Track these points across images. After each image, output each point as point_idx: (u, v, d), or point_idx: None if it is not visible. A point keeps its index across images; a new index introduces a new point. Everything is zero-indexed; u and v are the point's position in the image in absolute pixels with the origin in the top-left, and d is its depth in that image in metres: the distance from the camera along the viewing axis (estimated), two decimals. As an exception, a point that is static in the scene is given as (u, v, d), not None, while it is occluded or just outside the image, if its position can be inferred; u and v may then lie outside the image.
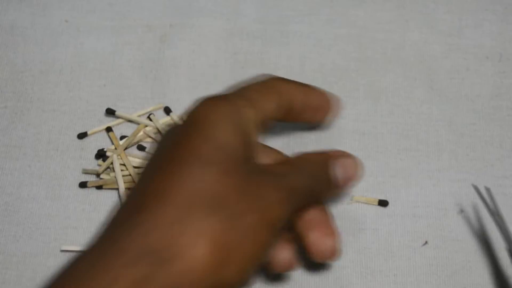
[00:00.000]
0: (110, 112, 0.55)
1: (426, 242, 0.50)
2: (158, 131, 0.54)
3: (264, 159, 0.43)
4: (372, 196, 0.52)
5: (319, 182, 0.42)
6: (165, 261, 0.33)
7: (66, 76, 0.58)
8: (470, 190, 0.52)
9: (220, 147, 0.37)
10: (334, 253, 0.44)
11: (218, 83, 0.57)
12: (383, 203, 0.51)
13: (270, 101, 0.42)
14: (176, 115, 0.55)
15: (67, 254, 0.50)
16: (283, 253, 0.43)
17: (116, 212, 0.36)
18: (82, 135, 0.54)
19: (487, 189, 0.48)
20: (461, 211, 0.51)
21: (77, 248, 0.49)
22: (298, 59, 0.59)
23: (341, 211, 0.51)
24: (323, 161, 0.42)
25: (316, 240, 0.43)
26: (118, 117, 0.55)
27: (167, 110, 0.55)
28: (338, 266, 0.49)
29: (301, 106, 0.46)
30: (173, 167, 0.36)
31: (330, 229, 0.44)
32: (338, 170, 0.42)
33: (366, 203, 0.52)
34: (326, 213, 0.44)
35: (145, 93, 0.57)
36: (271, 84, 0.44)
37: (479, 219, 0.49)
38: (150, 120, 0.55)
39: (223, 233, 0.34)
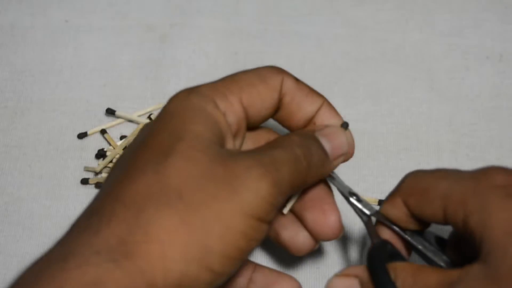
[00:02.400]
0: (110, 112, 0.55)
1: (426, 242, 0.50)
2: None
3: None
4: (372, 196, 0.52)
5: (309, 151, 0.37)
6: (115, 261, 0.30)
7: (66, 76, 0.58)
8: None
9: (181, 137, 0.34)
10: (338, 230, 0.41)
11: (218, 83, 0.57)
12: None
13: (252, 93, 0.38)
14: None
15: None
16: (300, 235, 0.41)
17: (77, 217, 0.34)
18: (82, 135, 0.54)
19: None
20: (461, 211, 0.51)
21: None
22: (298, 59, 0.59)
23: (341, 211, 0.51)
24: (307, 133, 0.39)
25: (316, 219, 0.40)
26: (118, 117, 0.55)
27: (167, 110, 0.55)
28: (338, 264, 0.49)
29: (305, 118, 0.41)
30: (133, 167, 0.34)
31: (329, 205, 0.41)
32: (324, 140, 0.39)
33: (366, 203, 0.52)
34: (324, 189, 0.41)
35: (145, 93, 0.57)
36: (263, 73, 0.39)
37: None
38: (151, 120, 0.55)
39: (181, 226, 0.32)
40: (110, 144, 0.54)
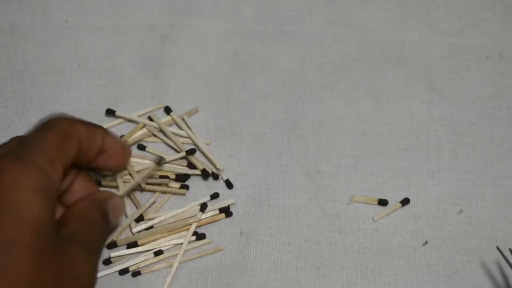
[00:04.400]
0: (110, 112, 0.55)
1: (426, 242, 0.50)
2: (160, 130, 0.54)
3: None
4: (372, 196, 0.52)
5: (100, 226, 0.40)
6: None
7: (66, 76, 0.58)
8: (470, 190, 0.52)
9: (31, 228, 0.32)
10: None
11: (218, 83, 0.57)
12: (382, 202, 0.51)
13: (61, 147, 0.38)
14: (176, 115, 0.55)
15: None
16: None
17: None
18: (82, 135, 0.54)
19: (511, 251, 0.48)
20: (461, 211, 0.51)
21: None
22: (298, 59, 0.59)
23: (341, 211, 0.51)
24: (100, 207, 0.41)
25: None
26: (118, 117, 0.55)
27: (167, 110, 0.55)
28: (338, 266, 0.49)
29: (96, 150, 0.42)
30: None
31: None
32: (111, 213, 0.41)
33: (366, 203, 0.52)
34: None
35: (145, 93, 0.57)
36: (56, 126, 0.39)
37: (504, 276, 0.49)
38: (151, 119, 0.55)
39: None
40: (110, 144, 0.54)
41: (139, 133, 0.54)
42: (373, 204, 0.52)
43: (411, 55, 0.59)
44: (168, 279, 0.48)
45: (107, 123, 0.55)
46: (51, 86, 0.57)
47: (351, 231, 0.51)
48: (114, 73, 0.58)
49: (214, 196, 0.51)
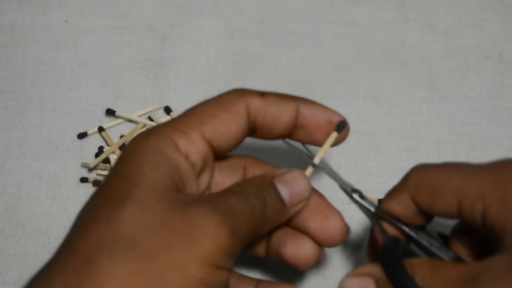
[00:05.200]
0: (110, 112, 0.55)
1: (426, 242, 0.50)
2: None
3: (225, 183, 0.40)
4: (372, 196, 0.52)
5: (264, 203, 0.37)
6: None
7: (66, 76, 0.58)
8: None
9: (137, 183, 0.34)
10: (344, 231, 0.40)
11: (218, 83, 0.57)
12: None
13: (215, 125, 0.37)
14: (176, 115, 0.55)
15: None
16: (302, 248, 0.40)
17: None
18: (82, 135, 0.54)
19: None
20: (461, 211, 0.51)
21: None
22: (298, 59, 0.59)
23: (341, 211, 0.51)
24: (265, 181, 0.38)
25: (320, 225, 0.40)
26: (118, 117, 0.55)
27: (167, 110, 0.55)
28: (338, 267, 0.49)
29: (284, 125, 0.39)
30: (88, 215, 0.34)
31: (329, 209, 0.40)
32: (282, 188, 0.38)
33: (366, 203, 0.52)
34: (318, 196, 0.41)
35: (145, 93, 0.57)
36: (224, 101, 0.38)
37: None
38: (151, 119, 0.55)
39: (135, 275, 0.31)
40: (107, 143, 0.54)
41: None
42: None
43: (411, 55, 0.59)
44: None
45: (107, 123, 0.55)
46: (51, 86, 0.57)
47: (351, 231, 0.51)
48: (114, 73, 0.58)
49: None
